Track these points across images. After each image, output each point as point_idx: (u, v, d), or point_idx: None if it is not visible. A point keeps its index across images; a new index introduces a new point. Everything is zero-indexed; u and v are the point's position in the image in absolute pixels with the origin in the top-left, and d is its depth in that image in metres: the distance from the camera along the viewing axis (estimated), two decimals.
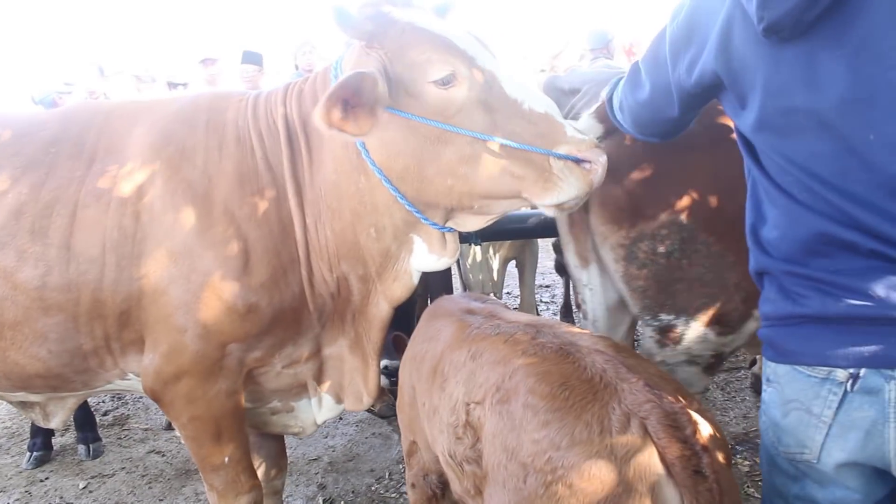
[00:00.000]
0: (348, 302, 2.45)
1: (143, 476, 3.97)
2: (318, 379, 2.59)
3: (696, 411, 1.47)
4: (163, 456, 4.20)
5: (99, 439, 4.31)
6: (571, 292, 5.79)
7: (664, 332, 2.41)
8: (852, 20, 1.28)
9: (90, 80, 5.43)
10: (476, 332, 1.97)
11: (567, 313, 6.02)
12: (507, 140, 1.99)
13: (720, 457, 1.40)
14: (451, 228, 2.29)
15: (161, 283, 2.21)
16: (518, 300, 6.30)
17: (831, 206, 1.37)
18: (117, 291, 2.24)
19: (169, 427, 4.44)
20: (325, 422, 2.74)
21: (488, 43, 2.21)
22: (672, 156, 2.23)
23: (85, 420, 4.27)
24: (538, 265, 5.09)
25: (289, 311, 2.34)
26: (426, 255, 2.34)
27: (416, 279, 2.40)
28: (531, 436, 1.47)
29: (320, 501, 3.59)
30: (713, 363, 2.49)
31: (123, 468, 4.08)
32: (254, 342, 2.32)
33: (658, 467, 1.36)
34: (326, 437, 4.23)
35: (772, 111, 1.42)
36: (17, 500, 3.79)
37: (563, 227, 2.70)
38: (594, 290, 2.62)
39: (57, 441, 4.39)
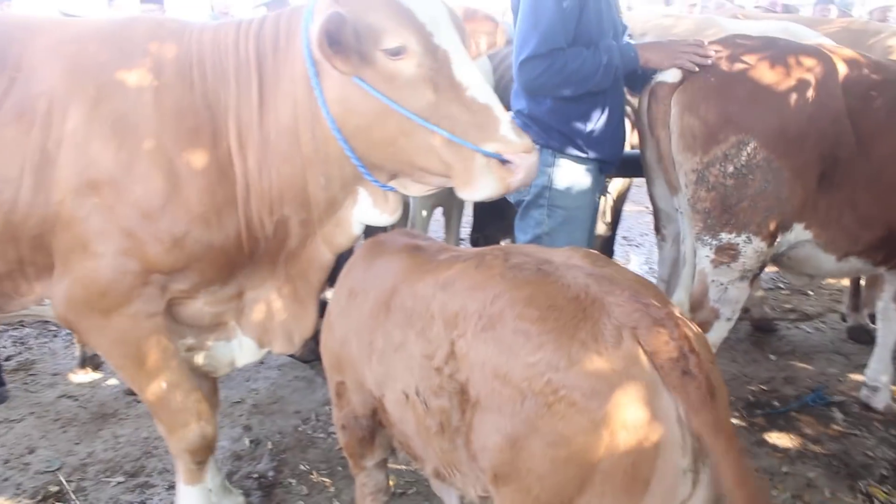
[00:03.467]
0: (283, 245, 2.45)
1: (56, 420, 3.82)
2: (240, 321, 2.57)
3: (679, 314, 1.54)
4: (75, 400, 4.04)
5: (4, 384, 4.09)
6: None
7: (722, 251, 2.81)
8: None
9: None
10: (438, 262, 1.95)
11: None
12: (439, 129, 2.05)
13: (706, 356, 1.47)
14: (394, 188, 2.34)
15: (80, 210, 2.16)
16: None
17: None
18: (31, 214, 2.17)
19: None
20: (245, 366, 2.73)
21: (460, 21, 2.21)
22: (741, 85, 2.76)
23: None
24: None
25: (219, 250, 2.31)
26: (370, 208, 2.39)
27: (357, 230, 2.46)
28: (525, 360, 1.48)
29: (246, 442, 3.58)
30: (758, 275, 2.95)
31: (32, 413, 3.90)
32: (178, 276, 2.29)
33: (652, 374, 1.41)
34: (248, 381, 4.19)
35: None
36: None
37: (653, 162, 3.09)
38: (685, 213, 2.99)
39: None
